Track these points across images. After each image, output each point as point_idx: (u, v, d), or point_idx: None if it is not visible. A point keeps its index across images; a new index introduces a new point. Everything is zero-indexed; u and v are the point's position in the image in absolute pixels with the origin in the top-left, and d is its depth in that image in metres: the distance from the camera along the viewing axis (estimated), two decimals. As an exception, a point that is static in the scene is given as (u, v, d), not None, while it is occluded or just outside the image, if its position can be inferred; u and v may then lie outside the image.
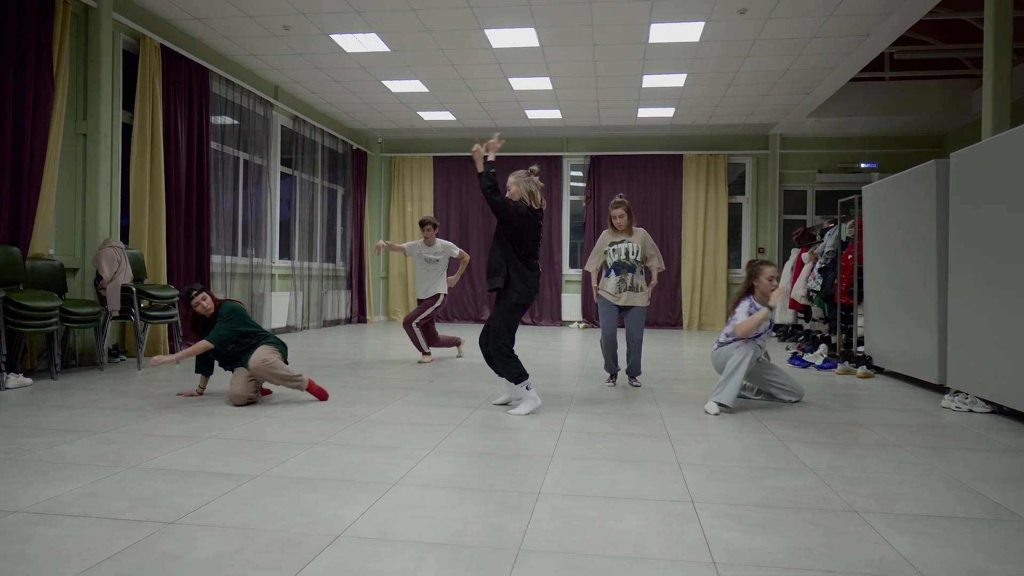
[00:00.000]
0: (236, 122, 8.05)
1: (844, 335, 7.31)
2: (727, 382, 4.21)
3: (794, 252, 10.20)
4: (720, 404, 4.19)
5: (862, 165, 11.33)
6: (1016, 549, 2.09)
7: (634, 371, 5.19)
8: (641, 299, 5.03)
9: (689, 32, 6.89)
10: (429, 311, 6.45)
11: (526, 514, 2.33)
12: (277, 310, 8.90)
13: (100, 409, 3.95)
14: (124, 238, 6.32)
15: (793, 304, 8.94)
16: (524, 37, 7.13)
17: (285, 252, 9.51)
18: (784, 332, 9.92)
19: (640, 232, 5.10)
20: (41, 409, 3.92)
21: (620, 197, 5.09)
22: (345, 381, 5.16)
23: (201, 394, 4.41)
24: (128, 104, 6.37)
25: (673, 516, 2.34)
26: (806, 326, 9.31)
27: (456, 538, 2.11)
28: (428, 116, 10.58)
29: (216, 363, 4.41)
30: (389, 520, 2.25)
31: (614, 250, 5.04)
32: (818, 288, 8.04)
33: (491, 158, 4.07)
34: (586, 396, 4.72)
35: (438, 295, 6.51)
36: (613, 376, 5.30)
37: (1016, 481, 2.82)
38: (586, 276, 11.63)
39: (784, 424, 3.88)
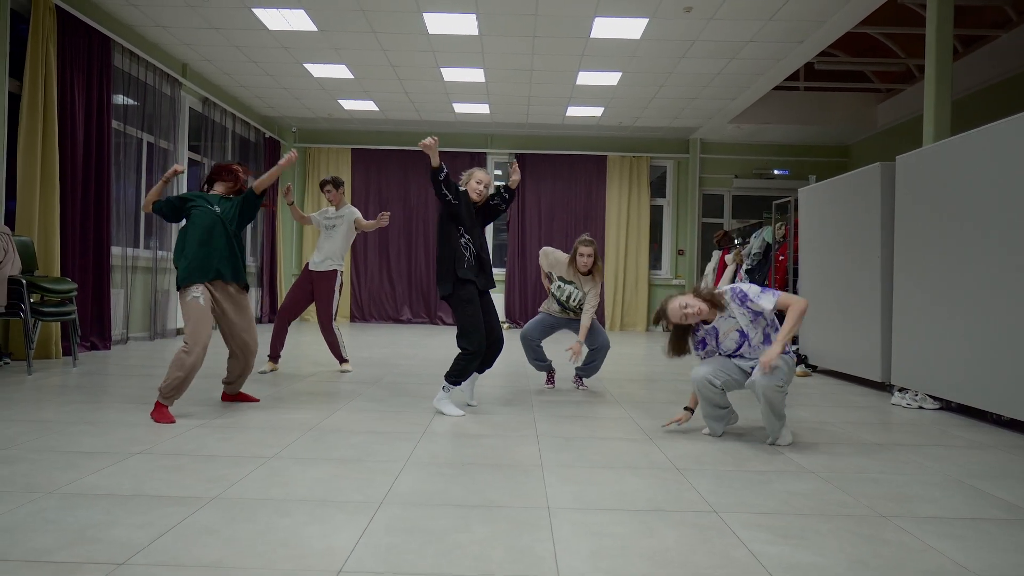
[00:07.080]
0: (140, 102, 7.27)
1: (775, 335, 7.43)
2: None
3: (715, 254, 10.42)
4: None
5: (775, 172, 11.73)
6: (1059, 551, 2.02)
7: (590, 372, 4.89)
8: (587, 316, 4.61)
9: (632, 28, 6.80)
10: (337, 300, 5.31)
11: (546, 533, 2.04)
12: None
13: (-9, 421, 3.33)
14: (10, 223, 5.51)
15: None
16: (464, 24, 6.81)
17: (192, 245, 8.70)
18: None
19: (596, 283, 4.65)
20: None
21: (589, 236, 4.67)
22: (259, 387, 4.68)
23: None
24: (18, 72, 5.58)
25: (705, 529, 2.12)
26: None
27: (483, 567, 1.80)
28: (349, 105, 10.03)
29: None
30: (392, 549, 1.90)
31: (559, 288, 4.71)
32: (746, 289, 8.18)
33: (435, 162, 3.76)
34: (543, 400, 4.47)
35: (335, 272, 5.32)
36: (550, 375, 4.95)
37: (1011, 478, 2.81)
38: (511, 274, 11.42)
39: (754, 424, 3.77)
